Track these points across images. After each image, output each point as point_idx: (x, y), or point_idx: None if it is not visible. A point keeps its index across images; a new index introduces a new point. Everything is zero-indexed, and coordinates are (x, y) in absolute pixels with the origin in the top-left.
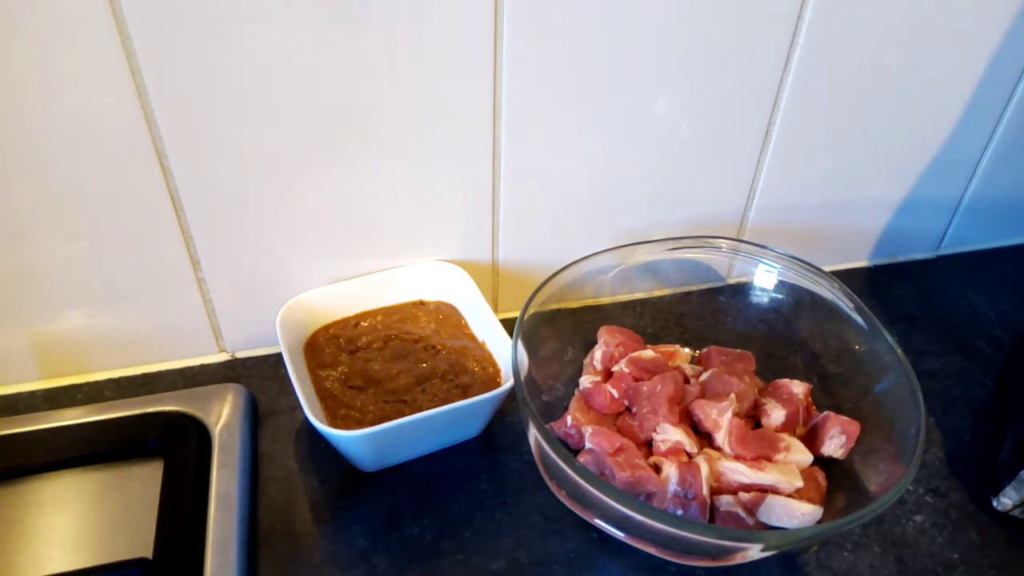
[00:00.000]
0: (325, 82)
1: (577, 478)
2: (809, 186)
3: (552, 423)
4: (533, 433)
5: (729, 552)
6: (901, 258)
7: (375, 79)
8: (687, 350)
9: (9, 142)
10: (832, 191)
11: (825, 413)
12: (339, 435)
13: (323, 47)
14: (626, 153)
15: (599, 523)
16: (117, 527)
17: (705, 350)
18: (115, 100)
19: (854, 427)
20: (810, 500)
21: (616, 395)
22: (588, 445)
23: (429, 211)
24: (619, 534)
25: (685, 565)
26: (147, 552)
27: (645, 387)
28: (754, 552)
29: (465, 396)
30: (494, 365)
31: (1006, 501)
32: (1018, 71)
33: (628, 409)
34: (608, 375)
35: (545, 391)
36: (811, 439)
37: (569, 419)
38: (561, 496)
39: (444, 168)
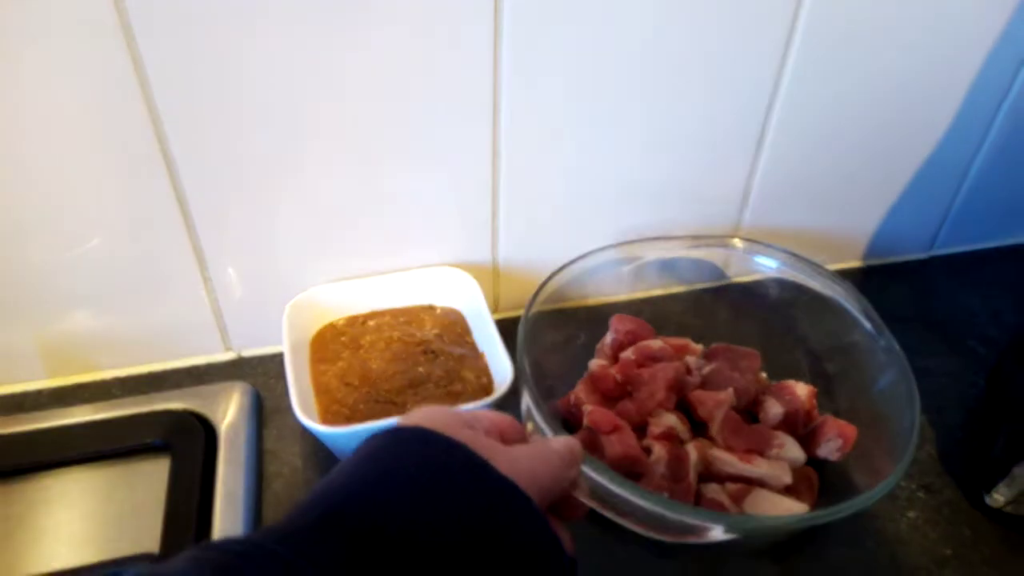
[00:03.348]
0: (329, 82)
1: (544, 426)
2: (803, 186)
3: (556, 400)
4: (525, 401)
5: (693, 530)
6: (894, 258)
7: (378, 80)
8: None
9: (16, 142)
10: (825, 192)
11: (824, 416)
12: (315, 429)
13: (327, 48)
14: (625, 153)
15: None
16: (124, 524)
17: (712, 347)
18: (121, 100)
19: (851, 431)
20: (799, 499)
21: (620, 379)
22: (585, 423)
23: (429, 211)
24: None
25: (681, 563)
26: (154, 548)
27: (646, 373)
28: (717, 532)
29: (454, 404)
30: (488, 376)
31: (998, 497)
32: (1011, 72)
33: (630, 395)
34: (616, 361)
35: (547, 386)
36: (808, 440)
37: (572, 397)
38: None
39: (444, 167)
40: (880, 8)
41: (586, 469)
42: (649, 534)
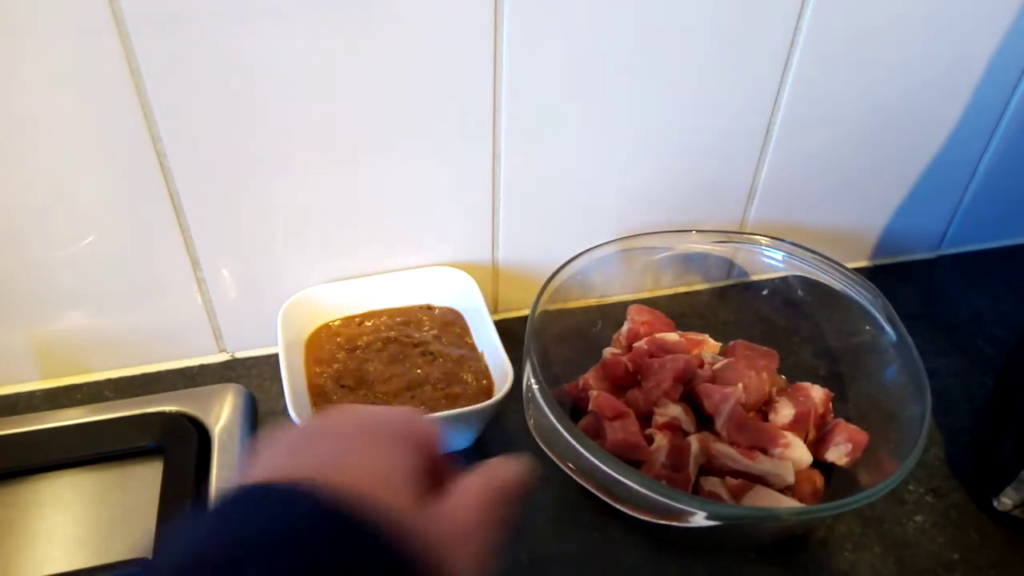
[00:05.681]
0: (325, 81)
1: (544, 405)
2: (810, 185)
3: (566, 384)
4: (528, 382)
5: (672, 512)
6: (902, 258)
7: (375, 79)
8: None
9: (8, 141)
10: (832, 190)
11: (836, 421)
12: None
13: (323, 47)
14: (626, 152)
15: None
16: (117, 527)
17: (731, 344)
18: (115, 100)
19: (861, 437)
20: (802, 500)
21: (630, 368)
22: (590, 407)
23: (428, 211)
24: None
25: (686, 565)
26: (147, 552)
27: (656, 363)
28: (699, 518)
29: (453, 407)
30: (488, 378)
31: (1006, 501)
32: (1019, 71)
33: (639, 384)
34: (630, 351)
35: (552, 375)
36: (817, 444)
37: (581, 382)
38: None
39: (444, 168)
40: (887, 5)
41: (580, 449)
42: (637, 515)
